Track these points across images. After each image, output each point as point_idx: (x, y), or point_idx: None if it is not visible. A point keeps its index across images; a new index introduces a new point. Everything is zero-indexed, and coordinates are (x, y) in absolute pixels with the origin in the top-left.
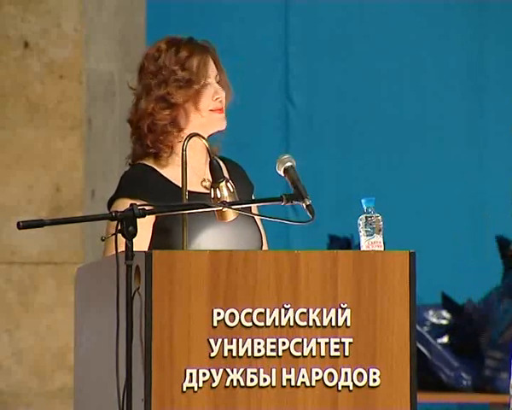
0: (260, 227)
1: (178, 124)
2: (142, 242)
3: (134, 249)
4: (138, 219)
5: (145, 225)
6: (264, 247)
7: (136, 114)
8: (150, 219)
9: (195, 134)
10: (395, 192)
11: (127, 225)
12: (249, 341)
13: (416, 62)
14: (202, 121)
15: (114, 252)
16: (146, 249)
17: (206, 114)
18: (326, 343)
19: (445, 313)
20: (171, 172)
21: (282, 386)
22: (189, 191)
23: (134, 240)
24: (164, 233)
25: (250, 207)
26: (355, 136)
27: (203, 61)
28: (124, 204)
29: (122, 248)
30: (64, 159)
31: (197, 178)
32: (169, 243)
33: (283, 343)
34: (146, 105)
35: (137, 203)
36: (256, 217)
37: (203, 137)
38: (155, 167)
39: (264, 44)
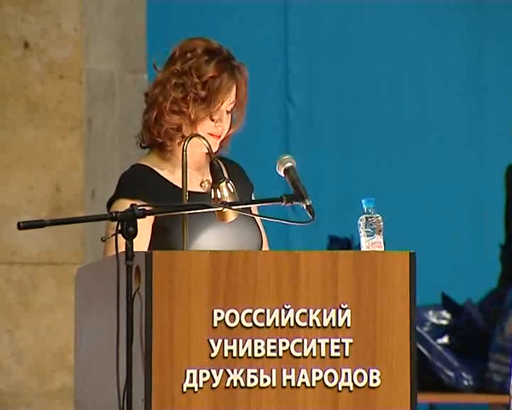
0: (261, 227)
1: (182, 130)
2: (141, 242)
3: (134, 250)
4: (138, 220)
5: (145, 226)
6: (265, 247)
7: (150, 97)
8: (150, 219)
9: (196, 135)
10: (395, 192)
11: (127, 226)
12: (249, 341)
13: (415, 62)
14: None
15: (114, 252)
16: (146, 250)
17: (203, 135)
18: (326, 344)
19: (445, 314)
20: (170, 173)
21: (283, 386)
22: (188, 192)
23: (134, 240)
24: (163, 234)
25: (250, 208)
26: (355, 136)
27: (226, 87)
28: (123, 205)
29: (122, 248)
30: (64, 159)
31: (196, 179)
32: (169, 243)
33: (284, 344)
34: (160, 98)
35: (137, 204)
36: (256, 217)
37: (203, 138)
38: (154, 168)
39: (263, 44)
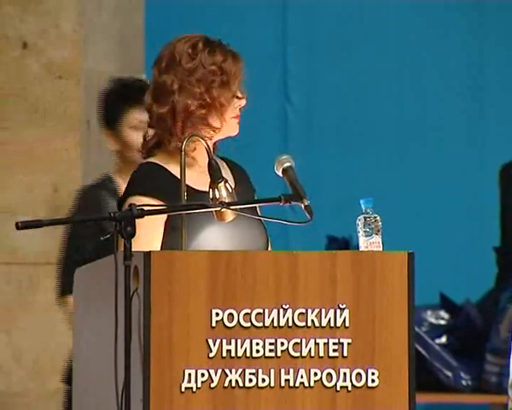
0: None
1: (211, 124)
2: (155, 241)
3: (133, 249)
4: (151, 218)
5: (156, 225)
6: (269, 247)
7: (166, 105)
8: (162, 218)
9: (195, 134)
10: (394, 192)
11: (125, 226)
12: (248, 341)
13: (416, 62)
14: (225, 126)
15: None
16: (158, 249)
17: (228, 120)
18: (324, 344)
19: (443, 314)
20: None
21: (281, 386)
22: (199, 191)
23: (142, 240)
24: (174, 232)
25: (255, 208)
26: (354, 136)
27: (237, 67)
28: (135, 201)
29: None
30: (62, 159)
31: (206, 178)
32: (177, 240)
33: (282, 344)
34: (183, 101)
35: (150, 201)
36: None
37: (202, 138)
38: (165, 166)
39: (262, 44)
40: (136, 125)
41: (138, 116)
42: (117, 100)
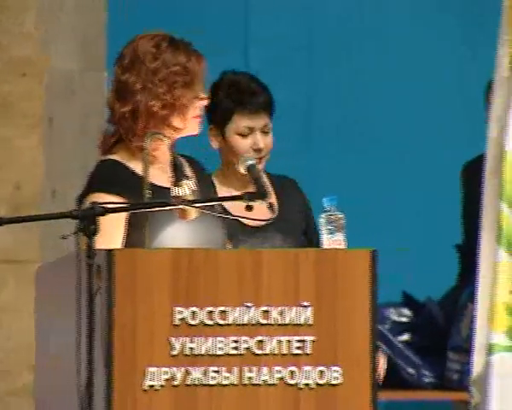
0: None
1: (172, 125)
2: (115, 238)
3: (97, 247)
4: (113, 215)
5: (119, 222)
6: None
7: (128, 104)
8: (124, 214)
9: (156, 133)
10: (359, 191)
11: (88, 224)
12: (211, 339)
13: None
14: (187, 126)
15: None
16: (120, 246)
17: (190, 120)
18: (288, 342)
19: (405, 311)
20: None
21: (244, 384)
22: (162, 187)
23: (104, 237)
24: (136, 229)
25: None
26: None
27: (200, 68)
28: (98, 198)
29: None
30: (24, 157)
31: (168, 175)
32: (141, 238)
33: (245, 342)
34: (146, 100)
35: (113, 198)
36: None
37: (165, 136)
38: (126, 163)
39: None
40: (244, 132)
41: (247, 122)
42: (226, 102)
